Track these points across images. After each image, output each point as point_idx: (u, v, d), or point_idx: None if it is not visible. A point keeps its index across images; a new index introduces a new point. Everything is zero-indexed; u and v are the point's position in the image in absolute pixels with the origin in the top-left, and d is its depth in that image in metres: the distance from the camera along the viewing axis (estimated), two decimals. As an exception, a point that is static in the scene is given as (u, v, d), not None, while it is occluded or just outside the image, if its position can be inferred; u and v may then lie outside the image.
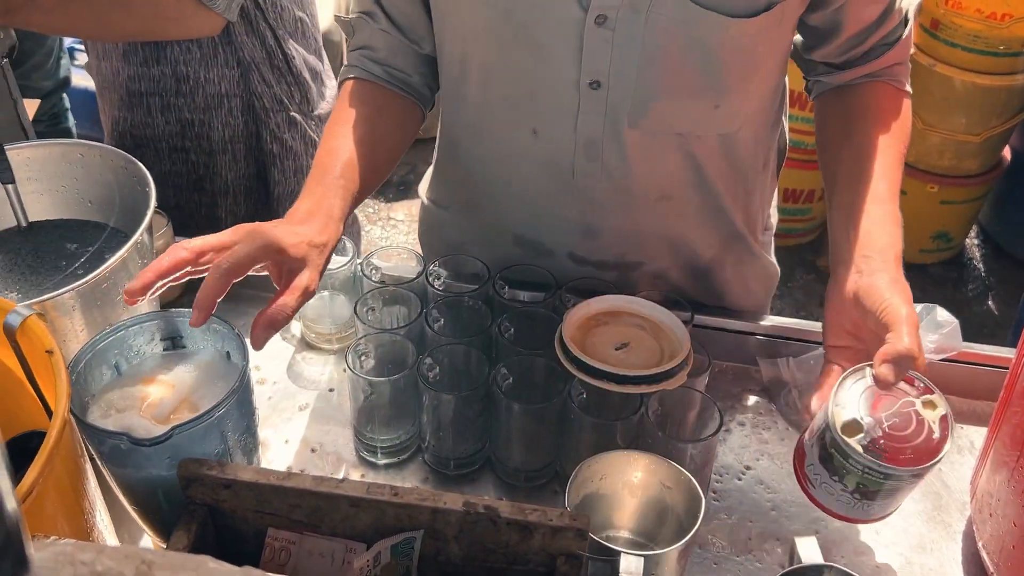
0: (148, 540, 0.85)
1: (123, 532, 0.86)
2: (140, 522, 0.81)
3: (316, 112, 1.38)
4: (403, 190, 3.23)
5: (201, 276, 0.79)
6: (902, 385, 0.78)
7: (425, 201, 1.21)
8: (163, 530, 0.79)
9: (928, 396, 0.79)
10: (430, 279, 1.00)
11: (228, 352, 0.82)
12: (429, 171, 1.19)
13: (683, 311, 0.97)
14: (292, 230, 0.84)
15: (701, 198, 1.02)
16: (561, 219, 1.04)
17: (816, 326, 1.08)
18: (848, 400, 0.78)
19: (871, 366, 0.78)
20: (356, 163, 0.93)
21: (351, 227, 1.47)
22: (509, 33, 0.91)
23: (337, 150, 0.94)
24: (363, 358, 0.92)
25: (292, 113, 1.34)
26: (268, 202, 1.39)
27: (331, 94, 1.43)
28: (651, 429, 0.85)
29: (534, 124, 0.97)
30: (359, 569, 0.67)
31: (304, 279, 0.82)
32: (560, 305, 0.99)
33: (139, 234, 0.88)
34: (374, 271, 1.03)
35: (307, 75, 1.34)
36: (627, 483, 0.83)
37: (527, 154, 1.00)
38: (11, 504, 0.28)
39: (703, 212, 1.04)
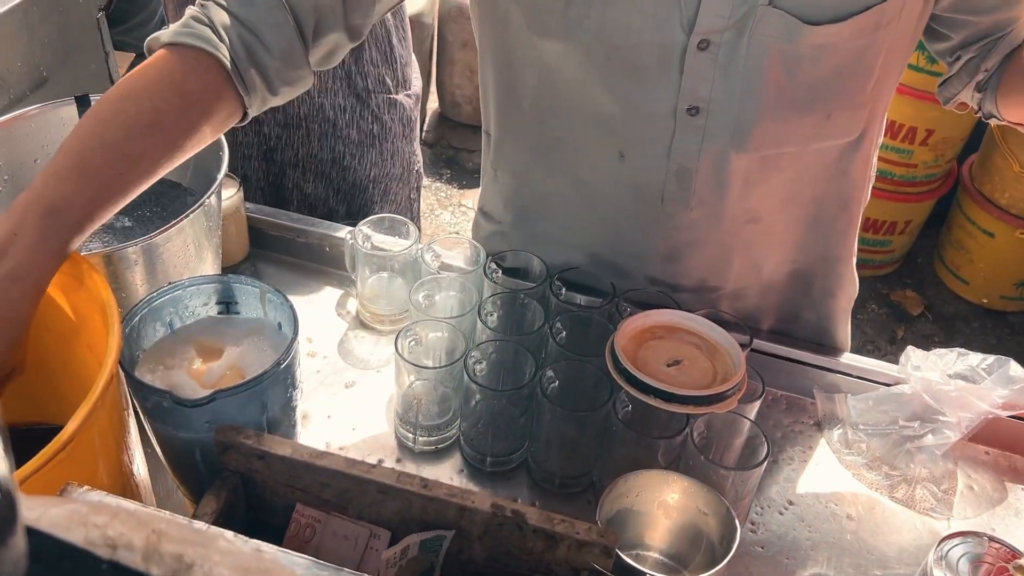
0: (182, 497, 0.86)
1: (159, 487, 0.87)
2: (175, 480, 0.82)
3: (410, 92, 1.39)
4: (477, 178, 3.24)
5: None
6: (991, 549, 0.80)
7: (481, 215, 1.16)
8: (196, 491, 0.80)
9: (1019, 561, 0.79)
10: (488, 272, 0.99)
11: (280, 323, 0.83)
12: (483, 182, 1.16)
13: (742, 334, 0.95)
14: None
15: (795, 217, 0.99)
16: (643, 243, 1.01)
17: (880, 364, 1.04)
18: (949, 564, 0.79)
19: (977, 535, 0.80)
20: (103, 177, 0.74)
21: (409, 209, 1.47)
22: (602, 55, 0.88)
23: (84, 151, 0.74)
24: (412, 343, 0.92)
25: (392, 95, 1.35)
26: (345, 182, 1.39)
27: (416, 75, 1.43)
28: (694, 452, 0.82)
29: (621, 147, 0.94)
30: (385, 560, 0.66)
31: None
32: (616, 313, 0.97)
33: (207, 196, 0.89)
34: (434, 258, 1.02)
35: (403, 54, 1.35)
36: (663, 503, 0.81)
37: (611, 177, 0.97)
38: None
39: (794, 231, 1.01)
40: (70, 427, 0.61)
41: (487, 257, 1.01)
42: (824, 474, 0.96)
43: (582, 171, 0.99)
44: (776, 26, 0.82)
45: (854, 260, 1.10)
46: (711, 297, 1.05)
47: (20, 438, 0.83)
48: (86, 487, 0.60)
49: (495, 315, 0.96)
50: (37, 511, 0.35)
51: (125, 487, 0.73)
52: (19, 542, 0.30)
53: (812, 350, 1.04)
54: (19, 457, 0.61)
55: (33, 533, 0.35)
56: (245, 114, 0.86)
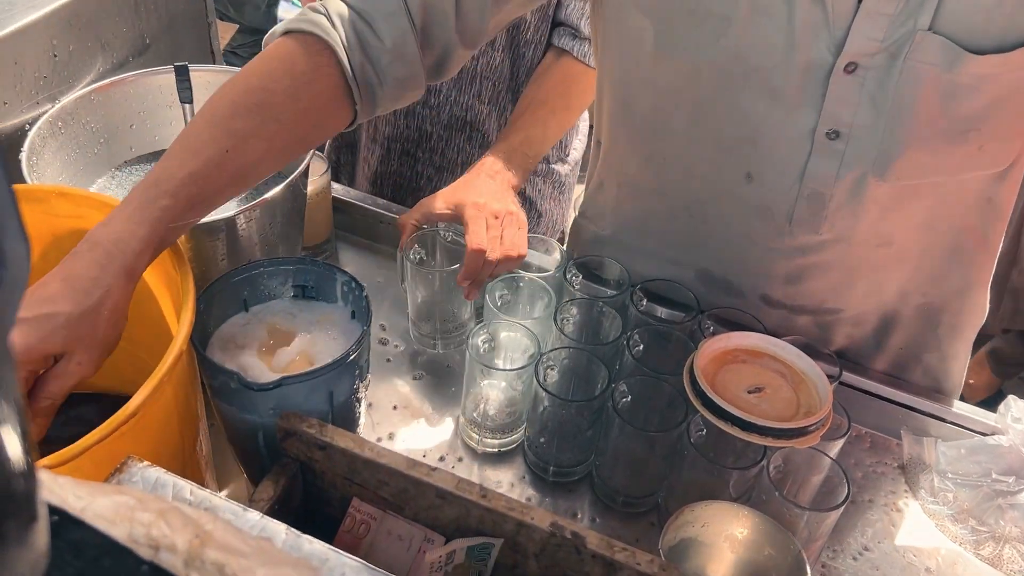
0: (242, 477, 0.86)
1: (222, 466, 0.88)
2: (236, 460, 0.82)
3: (568, 159, 1.38)
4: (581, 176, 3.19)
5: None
6: None
7: (582, 218, 1.13)
8: (256, 474, 0.80)
9: None
10: (568, 276, 0.96)
11: (353, 312, 0.81)
12: (587, 189, 1.13)
13: (831, 365, 0.90)
14: (39, 320, 0.63)
15: (931, 244, 0.94)
16: (763, 263, 0.96)
17: (976, 411, 0.98)
18: None
19: None
20: (214, 175, 0.72)
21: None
22: (739, 74, 0.84)
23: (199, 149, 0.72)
24: (485, 343, 0.90)
25: (550, 164, 1.34)
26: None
27: (580, 138, 1.41)
28: (768, 486, 0.78)
29: (750, 168, 0.89)
30: (430, 563, 0.64)
31: (71, 366, 0.65)
32: (698, 331, 0.93)
33: (294, 176, 0.89)
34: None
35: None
36: (730, 537, 0.77)
37: (734, 197, 0.92)
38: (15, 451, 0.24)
39: (928, 259, 0.95)
40: (134, 401, 0.61)
41: (569, 260, 0.98)
42: (905, 521, 0.90)
43: (699, 191, 0.95)
44: (935, 53, 0.77)
45: (988, 286, 1.03)
46: (828, 320, 1.00)
47: (92, 403, 0.84)
48: (145, 463, 0.59)
49: (571, 321, 0.94)
50: (84, 500, 0.34)
51: (186, 464, 0.73)
52: (39, 540, 0.28)
53: (908, 389, 0.98)
54: (88, 424, 0.61)
55: (76, 524, 0.34)
56: (355, 112, 0.84)
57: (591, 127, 1.27)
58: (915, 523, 0.90)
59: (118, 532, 0.33)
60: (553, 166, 1.38)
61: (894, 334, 1.02)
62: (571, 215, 1.46)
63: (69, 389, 0.65)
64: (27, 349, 0.62)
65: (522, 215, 1.00)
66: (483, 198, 0.97)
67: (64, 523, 0.33)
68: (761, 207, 0.92)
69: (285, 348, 0.78)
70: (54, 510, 0.34)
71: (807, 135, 0.84)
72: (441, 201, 0.98)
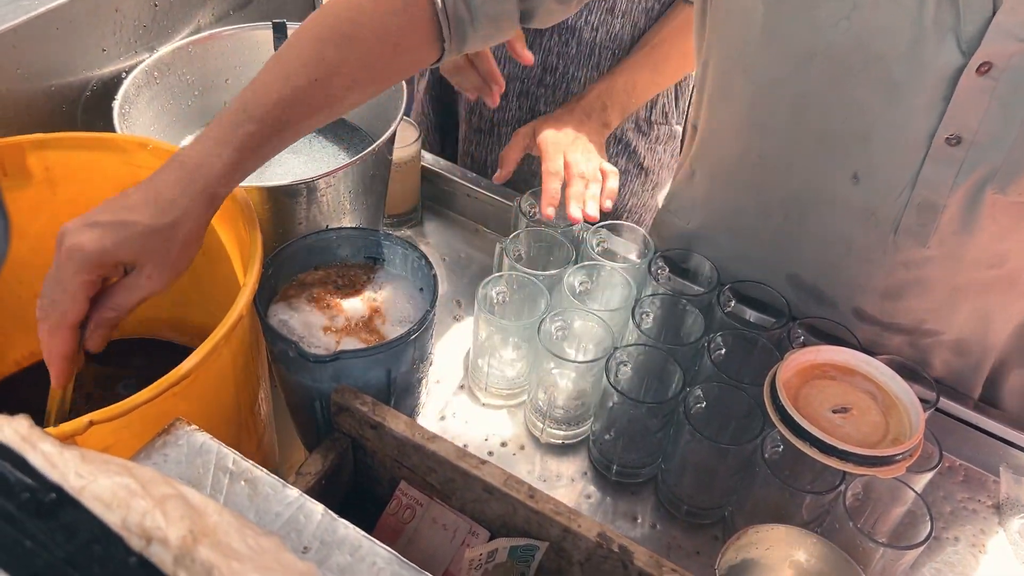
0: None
1: (284, 426, 0.87)
2: (294, 424, 0.82)
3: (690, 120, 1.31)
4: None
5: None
6: None
7: (666, 212, 1.08)
8: (312, 443, 0.79)
9: None
10: (653, 268, 0.92)
11: (421, 288, 0.79)
12: (675, 179, 1.07)
13: (928, 390, 0.83)
14: (116, 225, 0.63)
15: None
16: (861, 274, 0.90)
17: (1090, 455, 0.89)
18: None
19: None
20: (301, 103, 0.71)
21: None
22: (858, 63, 0.77)
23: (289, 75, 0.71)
24: (558, 331, 0.87)
25: (673, 127, 1.27)
26: None
27: None
28: (843, 515, 0.73)
29: (857, 168, 0.83)
30: (469, 560, 0.62)
31: (141, 279, 0.64)
32: (786, 340, 0.87)
33: (379, 143, 0.87)
34: (599, 243, 0.96)
35: (691, 80, 1.26)
36: (795, 563, 0.73)
37: (839, 198, 0.85)
38: None
39: None
40: (188, 363, 0.60)
41: (656, 252, 0.93)
42: (993, 566, 0.83)
43: (799, 189, 0.89)
44: None
45: None
46: (925, 343, 0.92)
47: (160, 351, 0.85)
48: (193, 426, 0.59)
49: (651, 316, 0.89)
50: (85, 479, 0.33)
51: (241, 428, 0.73)
52: None
53: (1012, 424, 0.90)
54: (153, 371, 0.61)
55: (73, 505, 0.32)
56: (443, 50, 0.80)
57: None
58: (1004, 569, 0.83)
59: (112, 518, 0.32)
60: (676, 128, 1.28)
61: (1000, 366, 0.93)
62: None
63: (135, 303, 0.65)
64: (101, 252, 0.61)
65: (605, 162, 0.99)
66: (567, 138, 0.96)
67: (61, 503, 0.32)
68: (865, 212, 0.85)
69: (354, 299, 0.76)
70: (52, 487, 0.32)
71: (924, 138, 0.77)
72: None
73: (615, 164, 1.22)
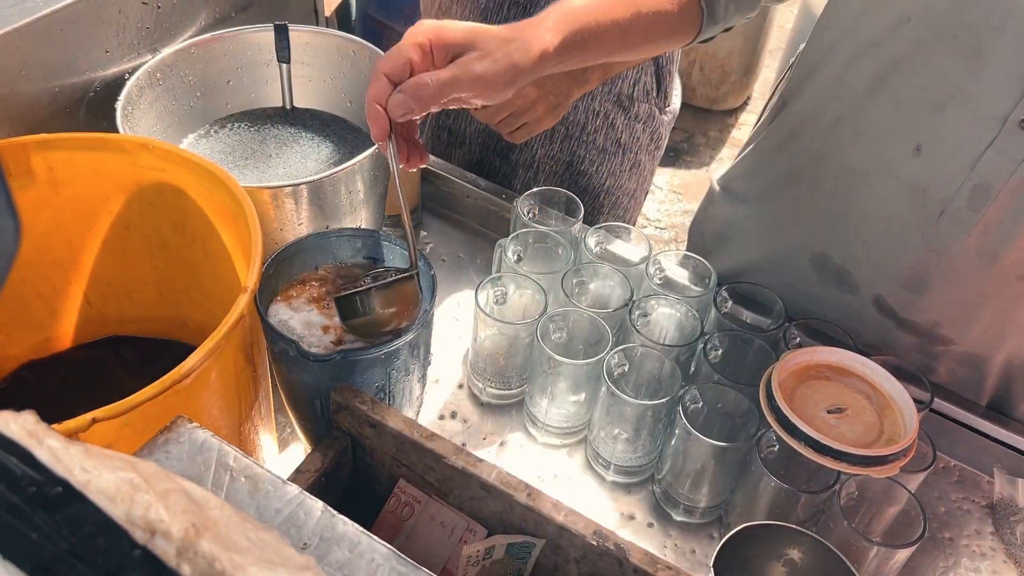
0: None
1: (286, 423, 0.88)
2: (294, 422, 0.82)
3: (668, 108, 1.29)
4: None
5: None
6: None
7: (716, 186, 1.07)
8: (313, 440, 0.80)
9: None
10: (650, 270, 0.92)
11: (422, 289, 0.80)
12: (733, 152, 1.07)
13: (922, 391, 0.84)
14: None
15: None
16: (892, 257, 0.88)
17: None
18: None
19: None
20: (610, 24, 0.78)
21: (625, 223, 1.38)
22: (948, 30, 0.76)
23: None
24: (555, 330, 0.87)
25: (653, 107, 1.26)
26: (576, 188, 1.27)
27: (677, 94, 1.33)
28: (838, 514, 0.74)
29: (923, 140, 0.81)
30: (466, 556, 0.63)
31: (466, 58, 0.70)
32: (783, 341, 0.88)
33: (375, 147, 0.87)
34: (596, 244, 0.97)
35: (672, 69, 1.25)
36: (788, 561, 0.73)
37: (895, 170, 0.84)
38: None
39: None
40: (189, 362, 0.61)
41: (652, 253, 0.94)
42: (985, 565, 0.84)
43: (860, 156, 0.87)
44: None
45: None
46: (935, 350, 0.91)
47: (162, 349, 0.86)
48: (194, 424, 0.59)
49: (649, 317, 0.90)
50: (90, 473, 0.34)
51: (243, 424, 0.73)
52: None
53: (1006, 425, 0.91)
54: (155, 369, 0.62)
55: (78, 498, 0.33)
56: (701, 24, 0.87)
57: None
58: (996, 568, 0.83)
59: (116, 511, 0.33)
60: (655, 109, 1.26)
61: (1004, 386, 0.92)
62: (655, 171, 1.37)
63: (444, 90, 0.68)
64: (440, 25, 0.69)
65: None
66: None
67: (66, 496, 0.33)
68: (916, 188, 0.83)
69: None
70: (58, 481, 0.33)
71: (999, 118, 0.76)
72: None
73: (594, 140, 1.22)
